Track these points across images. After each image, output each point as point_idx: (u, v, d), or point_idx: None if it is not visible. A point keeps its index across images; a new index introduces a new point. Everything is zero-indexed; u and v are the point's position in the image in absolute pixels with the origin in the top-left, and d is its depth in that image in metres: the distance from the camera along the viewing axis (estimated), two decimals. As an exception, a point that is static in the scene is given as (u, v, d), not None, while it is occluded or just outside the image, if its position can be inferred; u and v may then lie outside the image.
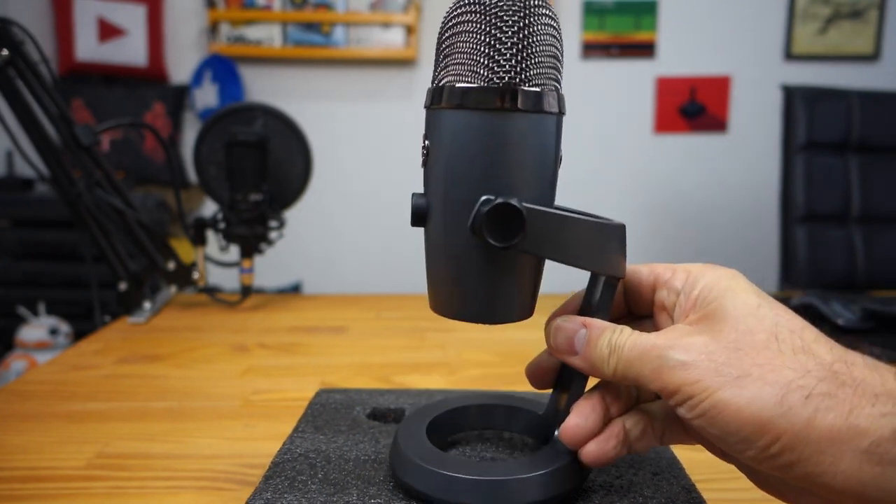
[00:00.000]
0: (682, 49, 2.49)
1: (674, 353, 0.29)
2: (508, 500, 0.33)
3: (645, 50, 2.49)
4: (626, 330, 0.31)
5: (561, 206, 0.34)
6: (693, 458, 0.44)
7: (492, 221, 0.30)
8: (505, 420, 0.41)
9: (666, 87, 2.51)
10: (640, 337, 0.30)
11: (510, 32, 0.30)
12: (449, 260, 0.33)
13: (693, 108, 2.51)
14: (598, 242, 0.32)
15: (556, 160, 0.33)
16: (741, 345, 0.28)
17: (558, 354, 0.34)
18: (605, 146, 2.52)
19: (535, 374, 0.37)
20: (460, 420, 0.41)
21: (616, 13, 2.47)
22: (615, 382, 0.33)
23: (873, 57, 2.50)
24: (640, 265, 0.35)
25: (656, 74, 2.51)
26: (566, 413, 0.34)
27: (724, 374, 0.27)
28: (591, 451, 0.32)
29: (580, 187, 2.47)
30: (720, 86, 2.49)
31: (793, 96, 1.37)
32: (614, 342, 0.31)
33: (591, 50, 2.49)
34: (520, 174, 0.32)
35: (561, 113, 0.32)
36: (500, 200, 0.30)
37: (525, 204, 0.31)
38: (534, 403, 0.41)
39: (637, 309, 0.36)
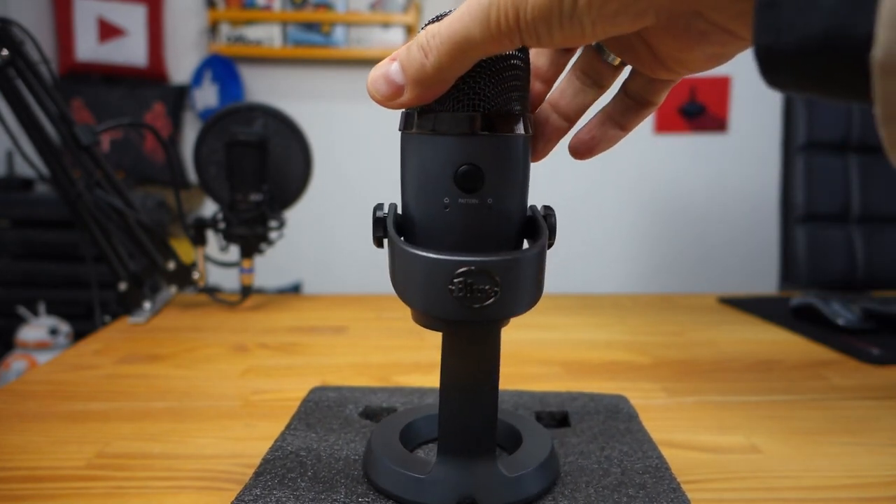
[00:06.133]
0: (682, 49, 2.49)
1: None
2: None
3: (645, 50, 2.49)
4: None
5: None
6: (680, 458, 0.44)
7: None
8: None
9: (666, 87, 2.51)
10: None
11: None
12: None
13: (693, 108, 2.51)
14: None
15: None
16: None
17: (390, 100, 0.29)
18: (605, 146, 2.52)
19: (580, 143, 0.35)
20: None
21: (616, 13, 2.47)
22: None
23: (873, 57, 2.50)
24: None
25: (656, 74, 2.51)
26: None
27: None
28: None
29: (581, 188, 2.47)
30: (720, 86, 2.50)
31: (793, 96, 1.37)
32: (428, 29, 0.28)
33: (591, 50, 2.49)
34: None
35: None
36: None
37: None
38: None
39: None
